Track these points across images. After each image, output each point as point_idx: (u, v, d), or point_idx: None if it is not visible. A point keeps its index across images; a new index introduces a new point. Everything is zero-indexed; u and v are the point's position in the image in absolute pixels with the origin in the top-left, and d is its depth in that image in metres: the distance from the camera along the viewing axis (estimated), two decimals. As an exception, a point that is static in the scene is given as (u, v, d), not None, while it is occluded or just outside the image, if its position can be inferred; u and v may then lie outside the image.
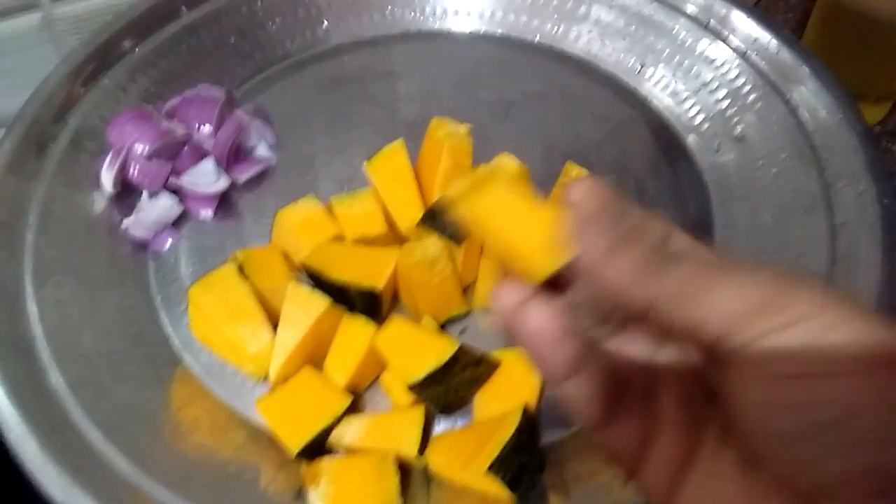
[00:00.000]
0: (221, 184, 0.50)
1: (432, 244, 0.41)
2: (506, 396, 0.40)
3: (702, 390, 0.22)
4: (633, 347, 0.24)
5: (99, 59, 0.52)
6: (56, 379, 0.40)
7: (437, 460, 0.38)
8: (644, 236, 0.20)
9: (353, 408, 0.40)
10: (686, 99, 0.53)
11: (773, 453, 0.19)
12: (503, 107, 0.55)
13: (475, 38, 0.59)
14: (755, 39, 0.52)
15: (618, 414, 0.22)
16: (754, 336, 0.18)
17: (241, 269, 0.43)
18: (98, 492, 0.35)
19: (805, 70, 0.49)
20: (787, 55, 0.50)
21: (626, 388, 0.23)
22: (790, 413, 0.18)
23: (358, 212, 0.46)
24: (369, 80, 0.57)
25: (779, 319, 0.18)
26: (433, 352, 0.38)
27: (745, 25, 0.52)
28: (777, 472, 0.19)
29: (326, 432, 0.39)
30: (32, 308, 0.42)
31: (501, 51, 0.58)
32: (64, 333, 0.42)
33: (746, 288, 0.18)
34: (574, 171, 0.47)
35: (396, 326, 0.40)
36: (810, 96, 0.48)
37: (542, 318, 0.21)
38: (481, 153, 0.46)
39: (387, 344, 0.39)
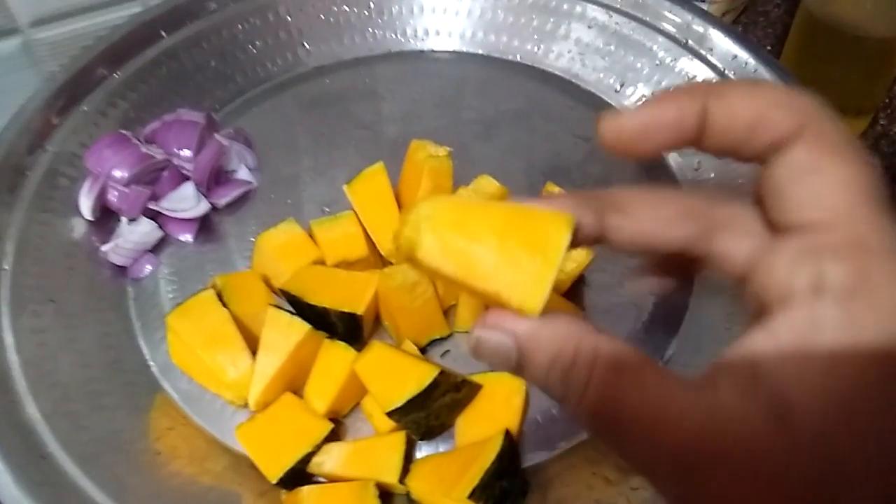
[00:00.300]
0: (201, 208, 0.49)
1: (413, 267, 0.41)
2: (487, 420, 0.40)
3: None
4: None
5: (78, 84, 0.51)
6: (32, 410, 0.39)
7: (419, 487, 0.38)
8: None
9: (335, 434, 0.40)
10: (666, 117, 0.53)
11: None
12: (484, 126, 0.55)
13: (456, 58, 0.59)
14: (733, 57, 0.52)
15: None
16: None
17: (219, 295, 0.42)
18: (74, 526, 0.35)
19: (783, 87, 0.49)
20: (765, 74, 0.50)
21: None
22: None
23: (338, 235, 0.46)
24: (351, 101, 0.57)
25: None
26: (413, 377, 0.37)
27: (722, 43, 0.52)
28: None
29: (306, 460, 0.38)
30: (8, 338, 0.41)
31: (483, 70, 0.58)
32: (41, 363, 0.41)
33: None
34: (555, 191, 0.47)
35: (376, 352, 0.39)
36: (788, 114, 0.49)
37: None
38: (463, 173, 0.46)
39: (366, 369, 0.39)
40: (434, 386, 0.37)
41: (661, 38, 0.54)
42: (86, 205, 0.48)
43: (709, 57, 0.53)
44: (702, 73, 0.53)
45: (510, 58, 0.59)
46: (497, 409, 0.40)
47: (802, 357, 0.17)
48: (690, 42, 0.53)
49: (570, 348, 0.18)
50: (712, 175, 0.50)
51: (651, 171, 0.52)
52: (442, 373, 0.38)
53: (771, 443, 0.16)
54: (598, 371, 0.18)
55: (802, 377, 0.17)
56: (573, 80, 0.57)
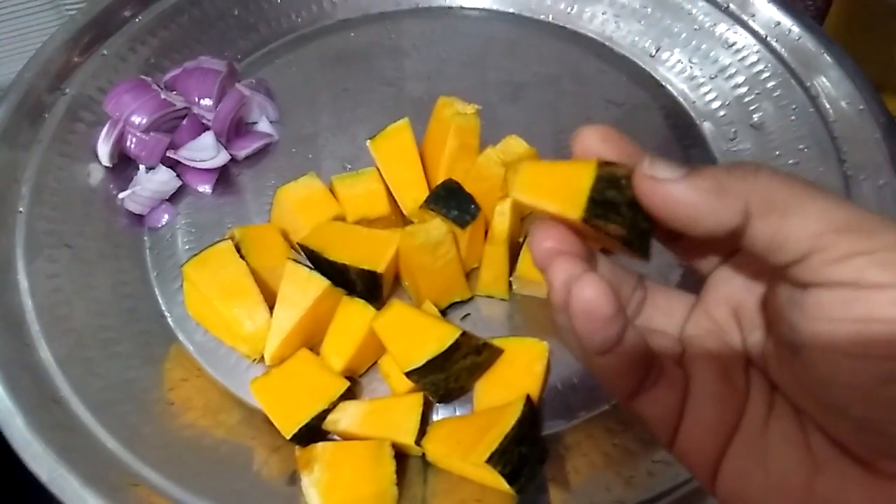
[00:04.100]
0: (221, 158, 0.48)
1: (436, 227, 0.40)
2: (507, 386, 0.39)
3: (740, 363, 0.22)
4: (665, 323, 0.23)
5: (98, 28, 0.50)
6: (45, 354, 0.38)
7: (435, 449, 0.37)
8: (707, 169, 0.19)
9: (350, 392, 0.39)
10: (702, 84, 0.52)
11: (843, 409, 0.18)
12: (513, 88, 0.53)
13: (486, 16, 0.57)
14: (776, 25, 0.50)
15: (650, 384, 0.22)
16: (839, 256, 0.17)
17: (237, 247, 0.41)
18: (85, 472, 0.34)
19: (827, 58, 0.47)
20: (808, 42, 0.48)
21: (657, 361, 0.22)
22: (868, 357, 0.17)
23: (360, 191, 0.45)
24: (376, 56, 0.55)
25: (865, 244, 0.17)
26: (434, 338, 0.36)
27: (766, 10, 0.50)
28: (839, 432, 0.19)
29: (321, 416, 0.38)
30: (23, 281, 0.41)
31: (513, 30, 0.56)
32: (55, 308, 0.40)
33: (832, 209, 0.17)
34: (585, 155, 0.45)
35: (396, 310, 0.38)
36: (831, 85, 0.47)
37: (596, 295, 0.19)
38: (489, 135, 0.45)
39: (386, 328, 0.38)
40: (455, 347, 0.36)
41: (701, 2, 0.52)
42: (104, 150, 0.47)
43: (750, 23, 0.51)
44: (742, 39, 0.51)
45: (542, 17, 0.57)
46: (517, 374, 0.39)
47: None
48: (732, 7, 0.51)
49: None
50: (748, 145, 0.48)
51: (682, 139, 0.50)
52: (464, 334, 0.37)
53: None
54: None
55: None
56: (606, 43, 0.55)
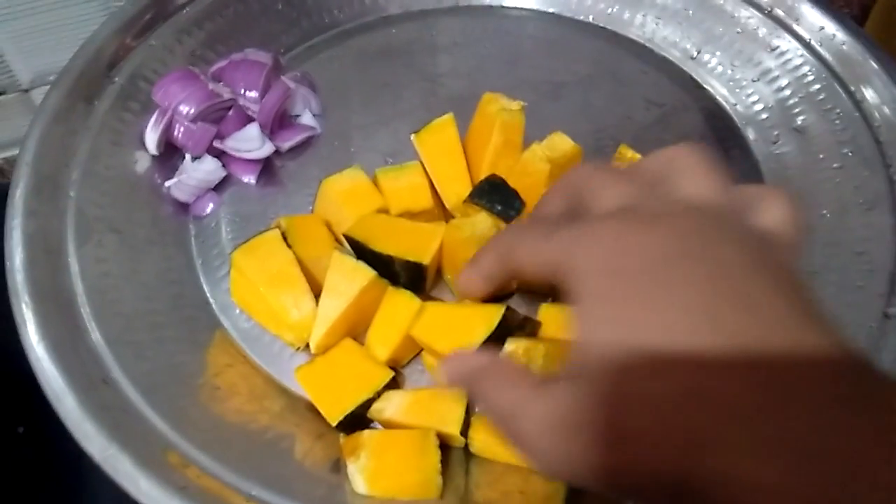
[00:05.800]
0: (265, 150, 0.49)
1: (482, 221, 0.40)
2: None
3: None
4: None
5: (147, 18, 0.51)
6: (96, 336, 0.39)
7: (482, 439, 0.37)
8: None
9: (394, 382, 0.39)
10: (744, 87, 0.52)
11: None
12: (553, 87, 0.54)
13: (526, 16, 0.58)
14: (820, 29, 0.50)
15: None
16: None
17: (284, 236, 0.42)
18: (135, 450, 0.34)
19: (872, 64, 0.47)
20: (853, 47, 0.48)
21: None
22: None
23: (404, 185, 0.45)
24: (416, 53, 0.56)
25: None
26: (480, 320, 0.37)
27: (810, 15, 0.50)
28: None
29: (366, 405, 0.38)
30: (74, 264, 0.41)
31: (553, 30, 0.57)
32: (105, 291, 0.41)
33: None
34: (628, 153, 0.45)
35: (431, 311, 0.38)
36: (877, 91, 0.47)
37: None
38: (530, 133, 0.45)
39: (425, 331, 0.38)
40: (503, 322, 0.36)
41: (743, 5, 0.52)
42: (151, 139, 0.47)
43: (794, 27, 0.51)
44: (785, 43, 0.51)
45: (582, 18, 0.57)
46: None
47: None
48: (776, 10, 0.51)
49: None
50: (790, 149, 0.48)
51: (723, 141, 0.50)
52: (508, 309, 0.37)
53: None
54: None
55: None
56: (647, 44, 0.55)
